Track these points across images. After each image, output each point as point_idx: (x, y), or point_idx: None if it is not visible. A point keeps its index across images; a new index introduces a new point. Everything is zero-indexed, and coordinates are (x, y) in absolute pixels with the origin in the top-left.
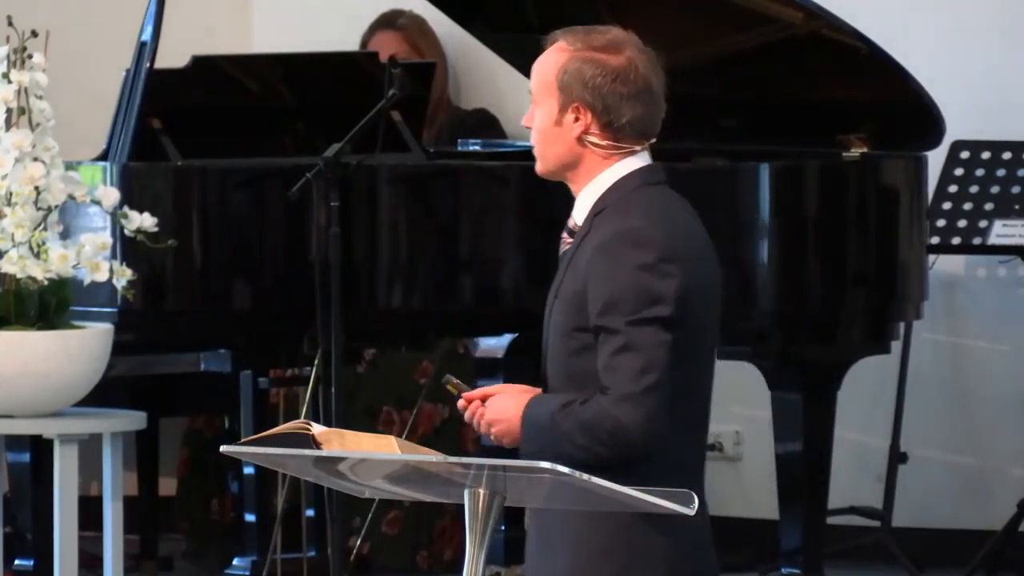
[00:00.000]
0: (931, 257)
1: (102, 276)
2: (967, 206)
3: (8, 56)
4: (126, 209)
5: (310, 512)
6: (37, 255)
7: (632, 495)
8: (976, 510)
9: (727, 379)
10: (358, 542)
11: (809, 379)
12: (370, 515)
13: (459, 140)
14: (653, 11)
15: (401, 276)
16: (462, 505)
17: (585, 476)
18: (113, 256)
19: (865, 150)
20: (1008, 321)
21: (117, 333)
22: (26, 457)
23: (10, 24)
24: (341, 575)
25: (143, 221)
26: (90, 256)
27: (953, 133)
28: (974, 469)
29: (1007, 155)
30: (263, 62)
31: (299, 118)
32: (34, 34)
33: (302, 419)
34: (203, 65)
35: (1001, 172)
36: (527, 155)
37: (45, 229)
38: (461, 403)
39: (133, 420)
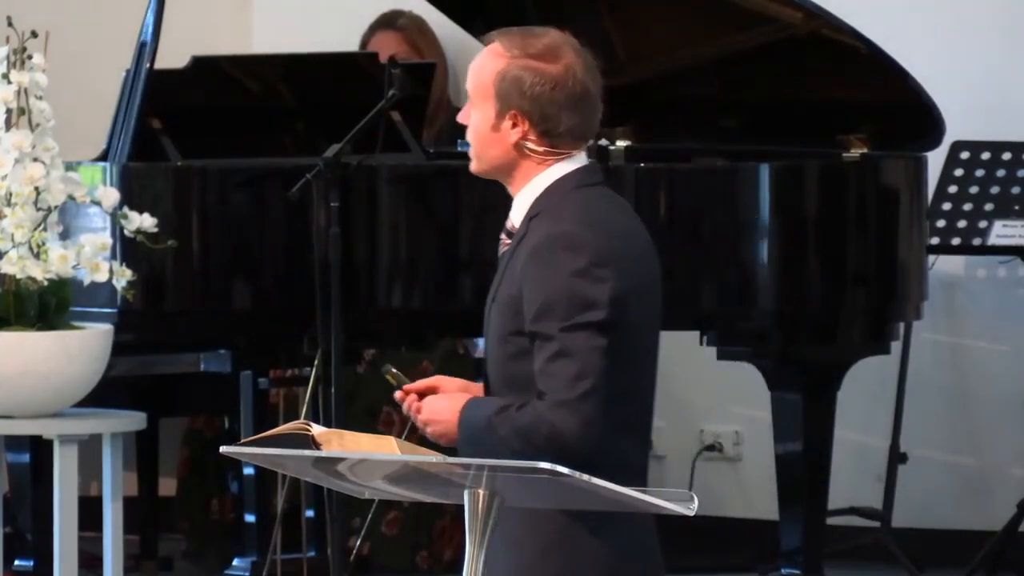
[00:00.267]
0: (931, 257)
1: (102, 276)
2: (967, 206)
3: (8, 56)
4: (126, 209)
5: (310, 512)
6: (37, 255)
7: (632, 495)
8: (976, 510)
9: (727, 379)
10: (358, 542)
11: (809, 379)
12: (370, 515)
13: (459, 140)
14: (653, 11)
15: (401, 276)
16: (462, 505)
17: (585, 477)
18: (113, 256)
19: (865, 150)
20: (1008, 321)
21: (117, 333)
22: (26, 457)
23: (10, 24)
24: (341, 575)
25: (143, 221)
26: (90, 256)
27: (953, 133)
28: (974, 469)
29: (1007, 155)
30: (263, 62)
31: (299, 118)
32: (34, 34)
33: (302, 419)
34: (203, 65)
35: (1001, 172)
36: None
37: (45, 229)
38: (398, 395)
39: (133, 420)
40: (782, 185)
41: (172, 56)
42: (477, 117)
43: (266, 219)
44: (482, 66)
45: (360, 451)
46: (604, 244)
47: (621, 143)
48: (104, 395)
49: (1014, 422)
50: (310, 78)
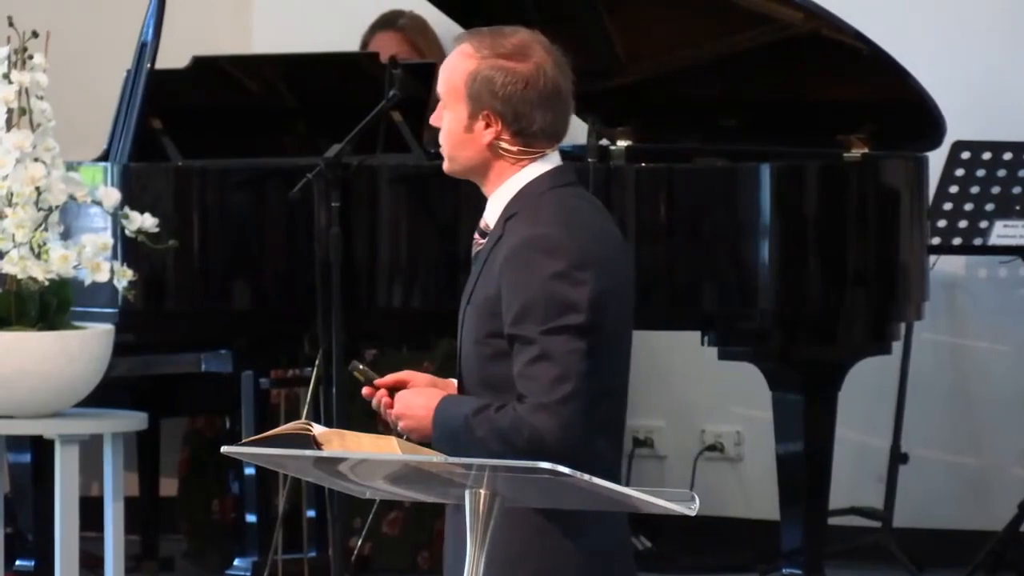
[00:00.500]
0: (932, 257)
1: (103, 277)
2: (968, 206)
3: (9, 56)
4: (127, 209)
5: (311, 513)
6: (38, 256)
7: (632, 495)
8: (976, 510)
9: (728, 379)
10: (359, 542)
11: (810, 379)
12: (371, 515)
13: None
14: (653, 11)
15: (401, 276)
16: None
17: (586, 476)
18: (114, 256)
19: (866, 150)
20: (1009, 321)
21: (118, 333)
22: (27, 458)
23: (11, 24)
24: (342, 575)
25: (144, 221)
26: (91, 256)
27: (954, 133)
28: (974, 469)
29: (1008, 155)
30: (263, 62)
31: (300, 118)
32: (35, 34)
33: (303, 419)
34: (203, 65)
35: (1002, 172)
36: None
37: (46, 230)
38: (366, 391)
39: (134, 421)
40: (783, 185)
41: (172, 56)
42: (450, 118)
43: (267, 219)
44: (453, 67)
45: (361, 451)
46: (582, 246)
47: (621, 143)
48: (105, 395)
49: (1015, 422)
50: (311, 78)
